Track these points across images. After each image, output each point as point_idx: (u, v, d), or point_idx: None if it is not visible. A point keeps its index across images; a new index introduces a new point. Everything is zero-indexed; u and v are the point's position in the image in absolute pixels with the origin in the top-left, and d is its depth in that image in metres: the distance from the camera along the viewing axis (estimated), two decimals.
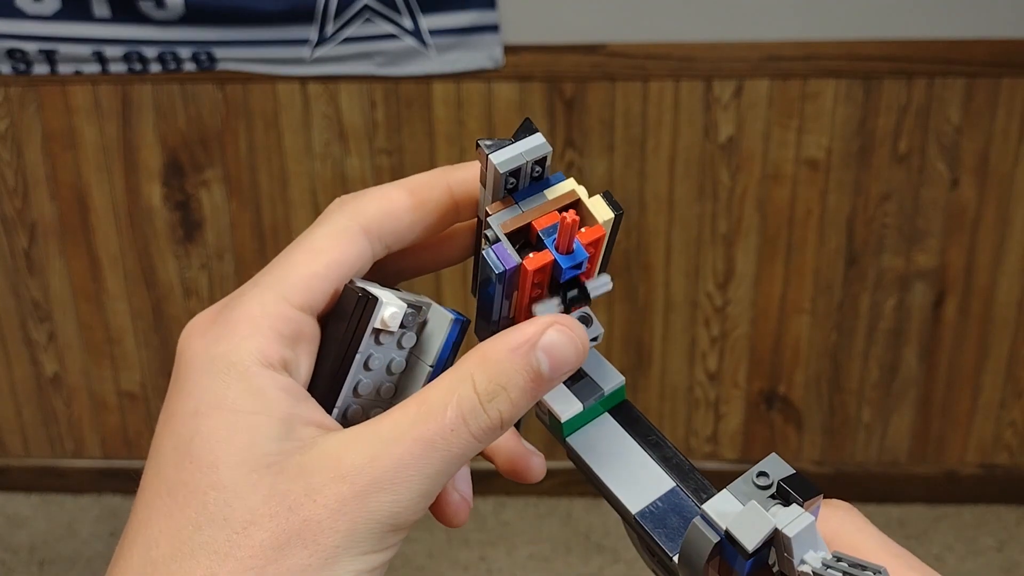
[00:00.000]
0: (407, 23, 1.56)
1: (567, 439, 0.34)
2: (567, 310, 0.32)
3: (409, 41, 1.57)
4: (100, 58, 1.61)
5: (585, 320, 0.33)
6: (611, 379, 0.35)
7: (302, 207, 1.72)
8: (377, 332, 0.32)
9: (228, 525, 0.28)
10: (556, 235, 0.30)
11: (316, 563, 0.28)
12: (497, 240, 0.31)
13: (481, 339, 0.33)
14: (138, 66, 1.62)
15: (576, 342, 0.30)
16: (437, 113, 1.65)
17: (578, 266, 0.31)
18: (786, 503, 0.28)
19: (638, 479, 0.33)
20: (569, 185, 0.32)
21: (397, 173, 1.68)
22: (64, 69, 1.62)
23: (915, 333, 1.78)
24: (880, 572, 0.25)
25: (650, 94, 1.62)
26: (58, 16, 1.58)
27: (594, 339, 0.33)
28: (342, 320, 0.32)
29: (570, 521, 1.87)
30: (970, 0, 1.54)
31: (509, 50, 1.59)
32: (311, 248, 0.32)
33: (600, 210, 0.32)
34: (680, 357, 1.81)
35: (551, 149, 0.31)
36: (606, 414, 0.35)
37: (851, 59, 1.58)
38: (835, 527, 0.31)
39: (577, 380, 0.35)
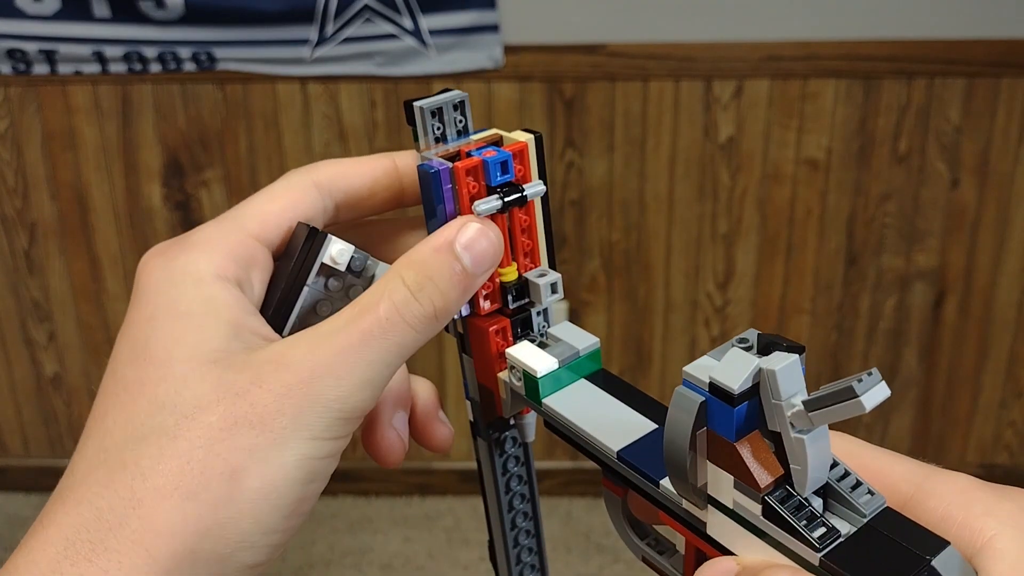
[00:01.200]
0: (407, 23, 1.56)
1: (544, 400, 0.34)
2: (505, 207, 0.34)
3: (409, 41, 1.57)
4: (100, 58, 1.61)
5: (554, 285, 0.36)
6: (585, 341, 0.36)
7: None
8: (327, 272, 0.34)
9: (178, 410, 0.29)
10: (483, 151, 0.34)
11: (264, 443, 0.29)
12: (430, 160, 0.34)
13: None
14: (138, 66, 1.62)
15: (489, 234, 0.33)
16: None
17: (504, 165, 0.33)
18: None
19: (618, 426, 0.33)
20: (492, 130, 0.35)
21: None
22: (64, 69, 1.62)
23: (915, 333, 1.78)
24: (871, 373, 0.24)
25: (650, 94, 1.62)
26: (58, 16, 1.58)
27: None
28: (292, 254, 0.34)
29: (570, 521, 1.87)
30: (970, 0, 1.54)
31: (509, 50, 1.59)
32: (267, 194, 0.35)
33: (521, 136, 0.35)
34: (680, 357, 1.81)
35: (467, 95, 0.34)
36: (583, 379, 0.35)
37: (851, 59, 1.58)
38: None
39: (552, 345, 0.36)
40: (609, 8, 1.57)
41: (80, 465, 0.30)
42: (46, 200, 1.74)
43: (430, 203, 0.34)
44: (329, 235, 0.34)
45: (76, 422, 1.92)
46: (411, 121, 0.35)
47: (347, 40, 1.57)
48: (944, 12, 1.55)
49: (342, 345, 0.30)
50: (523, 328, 0.36)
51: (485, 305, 0.35)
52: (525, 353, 0.35)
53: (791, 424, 0.25)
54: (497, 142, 0.35)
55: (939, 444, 1.87)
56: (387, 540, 1.85)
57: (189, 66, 1.61)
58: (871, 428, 1.85)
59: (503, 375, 0.36)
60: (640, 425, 0.33)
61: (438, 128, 0.34)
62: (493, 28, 1.56)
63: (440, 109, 0.34)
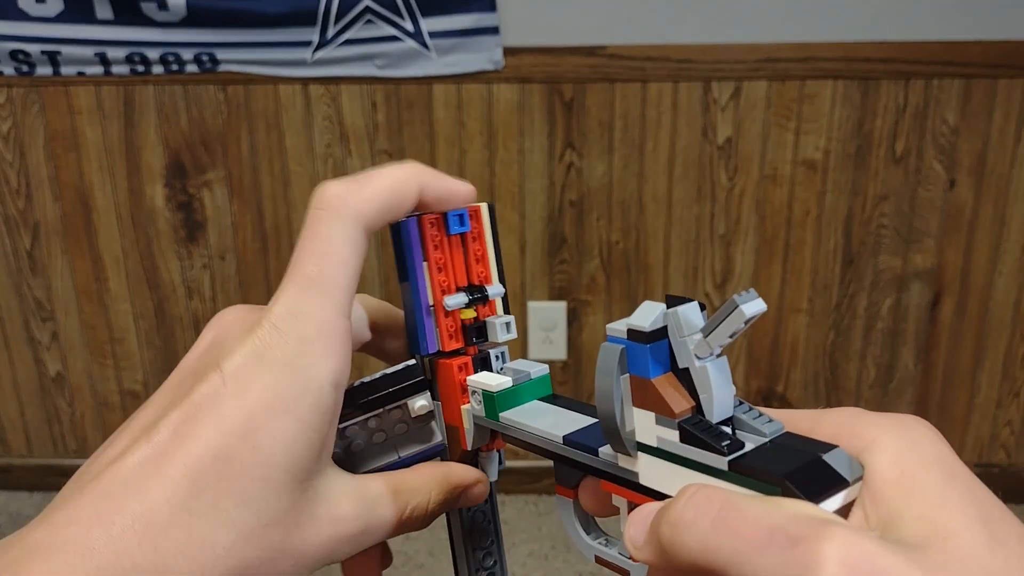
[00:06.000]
0: (408, 25, 1.57)
1: (500, 415, 0.39)
2: (471, 302, 0.40)
3: (410, 43, 1.58)
4: (103, 60, 1.62)
5: (508, 326, 0.41)
6: (537, 368, 0.41)
7: (303, 208, 1.72)
8: (400, 408, 0.40)
9: (258, 516, 0.33)
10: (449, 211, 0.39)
11: (293, 572, 0.34)
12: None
13: (408, 310, 0.40)
14: (141, 68, 1.63)
15: (483, 484, 0.41)
16: (437, 114, 1.66)
17: (460, 218, 0.39)
18: None
19: (564, 423, 0.38)
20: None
21: None
22: (67, 71, 1.63)
23: (912, 333, 1.79)
24: (749, 291, 0.28)
25: (649, 95, 1.63)
26: (61, 18, 1.59)
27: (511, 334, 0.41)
28: (392, 377, 0.40)
29: None
30: (966, 2, 1.55)
31: (509, 52, 1.60)
32: (340, 258, 0.36)
33: (477, 203, 0.40)
34: None
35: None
36: (535, 400, 0.40)
37: (848, 60, 1.59)
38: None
39: (507, 372, 0.41)
40: (608, 10, 1.58)
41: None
42: (49, 201, 1.75)
43: (403, 264, 0.39)
44: (426, 388, 0.40)
45: (78, 421, 1.93)
46: None
47: (348, 42, 1.58)
48: (941, 14, 1.56)
49: (369, 526, 0.36)
50: (483, 365, 0.41)
51: (450, 343, 0.40)
52: (483, 377, 0.40)
53: (696, 356, 0.29)
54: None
55: None
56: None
57: (191, 68, 1.62)
58: None
59: (466, 407, 0.40)
60: (582, 420, 0.38)
61: None
62: (493, 30, 1.57)
63: None
